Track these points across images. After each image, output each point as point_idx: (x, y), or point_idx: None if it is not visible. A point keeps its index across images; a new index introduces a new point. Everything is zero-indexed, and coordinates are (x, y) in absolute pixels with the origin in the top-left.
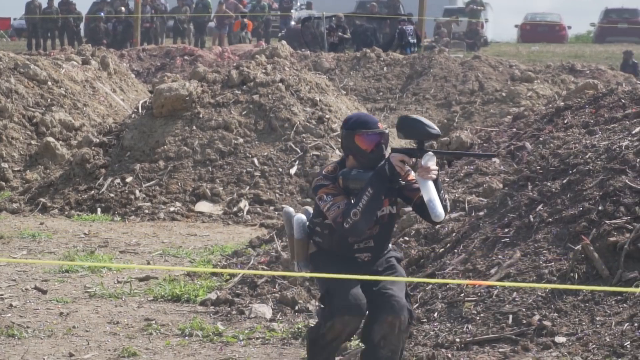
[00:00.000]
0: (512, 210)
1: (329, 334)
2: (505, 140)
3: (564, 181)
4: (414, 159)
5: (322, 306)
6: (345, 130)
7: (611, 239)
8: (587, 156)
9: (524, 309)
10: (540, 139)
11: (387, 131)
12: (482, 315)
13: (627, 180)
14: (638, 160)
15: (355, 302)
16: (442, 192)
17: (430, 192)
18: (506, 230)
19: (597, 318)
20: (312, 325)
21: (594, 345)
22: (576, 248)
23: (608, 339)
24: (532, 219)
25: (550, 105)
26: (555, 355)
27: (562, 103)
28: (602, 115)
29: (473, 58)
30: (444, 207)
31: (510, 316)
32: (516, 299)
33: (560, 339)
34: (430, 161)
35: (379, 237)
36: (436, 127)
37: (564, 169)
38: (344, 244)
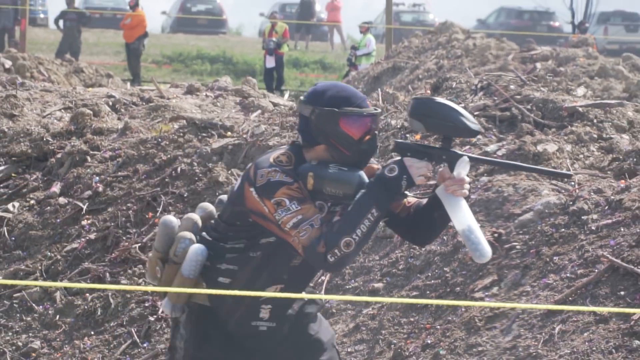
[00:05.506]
0: None
1: None
2: None
3: None
4: (435, 164)
5: None
6: (322, 109)
7: None
8: None
9: None
10: None
11: (379, 111)
12: None
13: None
14: None
15: None
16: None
17: (466, 217)
18: None
19: None
20: None
21: None
22: None
23: None
24: None
25: None
26: None
27: None
28: None
29: None
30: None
31: None
32: None
33: None
34: (465, 170)
35: (295, 279)
36: (475, 120)
37: None
38: (260, 284)
